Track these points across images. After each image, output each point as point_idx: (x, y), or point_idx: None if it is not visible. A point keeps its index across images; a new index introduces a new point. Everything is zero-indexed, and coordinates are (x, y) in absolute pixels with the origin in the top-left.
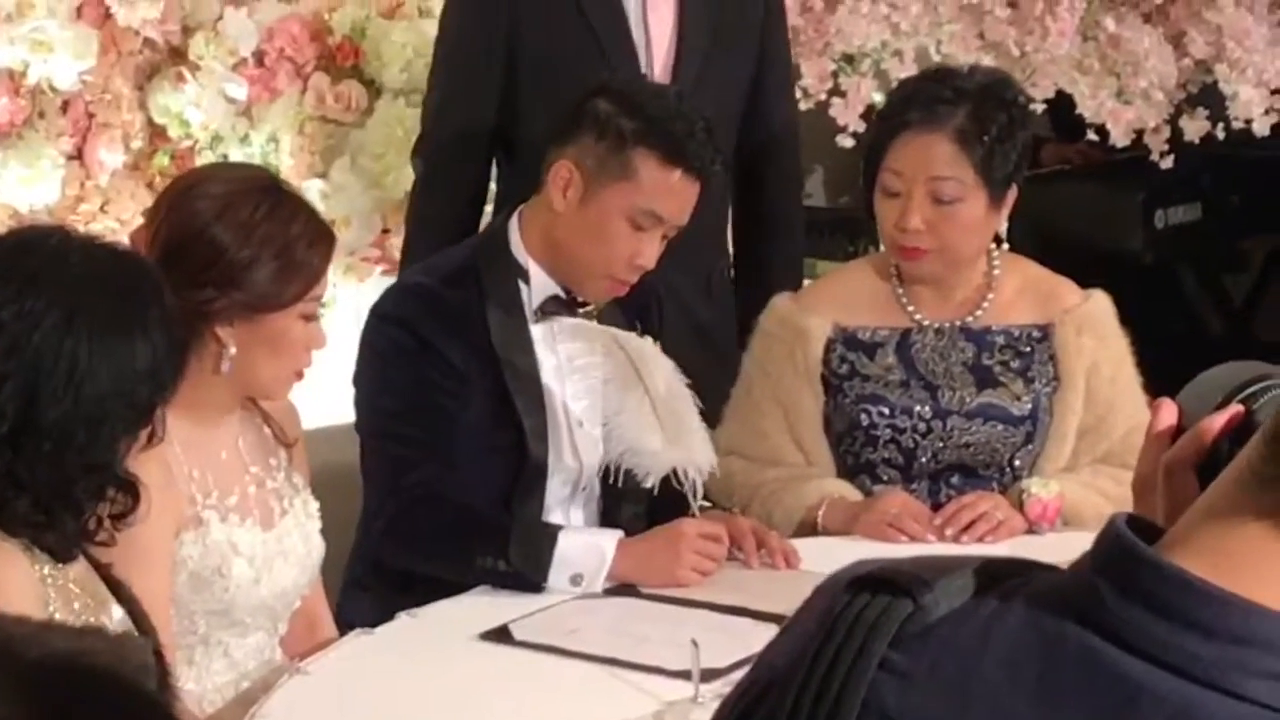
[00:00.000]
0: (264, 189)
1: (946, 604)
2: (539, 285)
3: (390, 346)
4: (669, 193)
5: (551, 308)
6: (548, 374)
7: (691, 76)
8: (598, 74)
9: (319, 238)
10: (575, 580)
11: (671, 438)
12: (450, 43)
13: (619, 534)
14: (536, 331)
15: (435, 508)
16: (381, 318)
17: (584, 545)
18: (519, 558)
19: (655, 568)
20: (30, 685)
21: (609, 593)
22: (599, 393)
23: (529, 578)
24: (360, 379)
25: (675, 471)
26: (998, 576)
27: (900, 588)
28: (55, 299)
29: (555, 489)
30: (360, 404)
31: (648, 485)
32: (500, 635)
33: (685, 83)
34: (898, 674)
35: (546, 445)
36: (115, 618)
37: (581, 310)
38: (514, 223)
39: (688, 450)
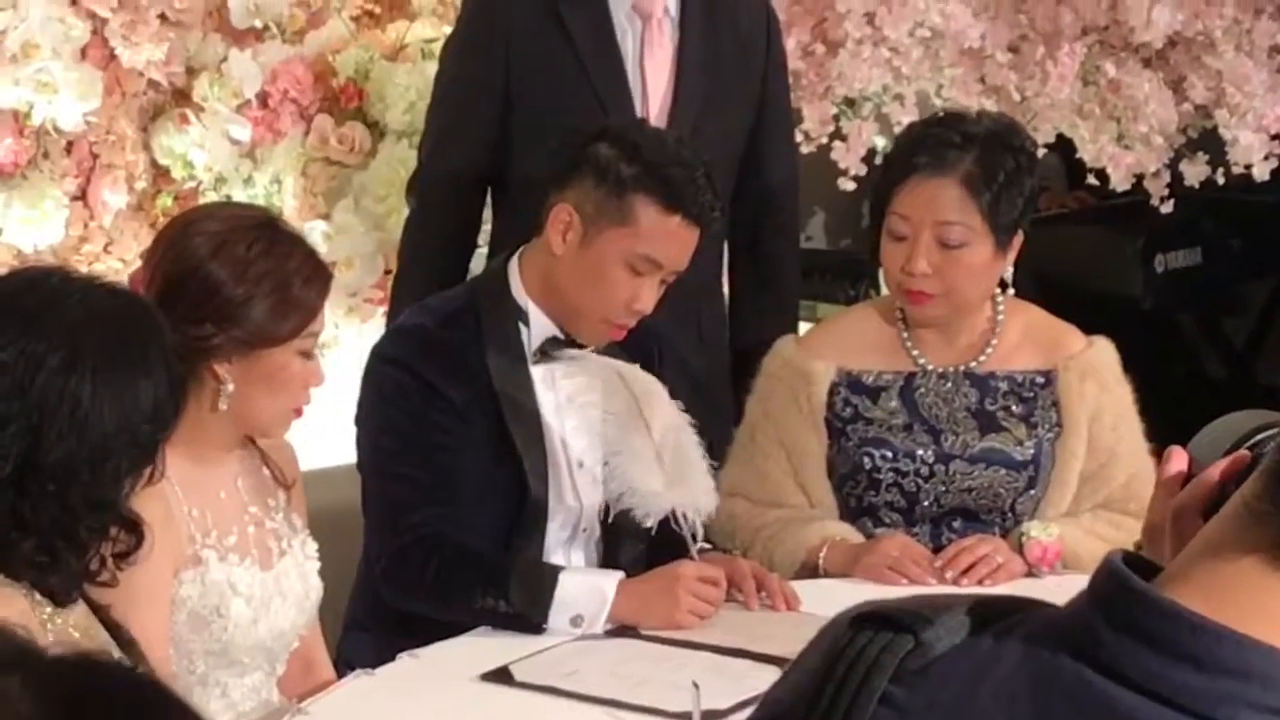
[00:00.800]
0: (260, 226)
1: (947, 640)
2: (538, 327)
3: (391, 387)
4: (667, 238)
5: (551, 348)
6: (548, 412)
7: (689, 123)
8: (593, 120)
9: (315, 274)
10: (575, 621)
11: (673, 478)
12: (448, 83)
13: (619, 575)
14: (536, 372)
15: (435, 548)
16: (382, 359)
17: (585, 587)
18: (520, 599)
19: (654, 610)
20: (48, 679)
21: (609, 634)
22: (598, 431)
23: (530, 619)
24: (362, 419)
25: (675, 513)
26: (993, 614)
27: (902, 624)
28: (57, 340)
29: (555, 530)
30: (362, 444)
31: (647, 525)
32: (501, 676)
33: (682, 129)
34: (898, 708)
35: (547, 485)
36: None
37: (581, 352)
38: (514, 264)
39: (689, 491)
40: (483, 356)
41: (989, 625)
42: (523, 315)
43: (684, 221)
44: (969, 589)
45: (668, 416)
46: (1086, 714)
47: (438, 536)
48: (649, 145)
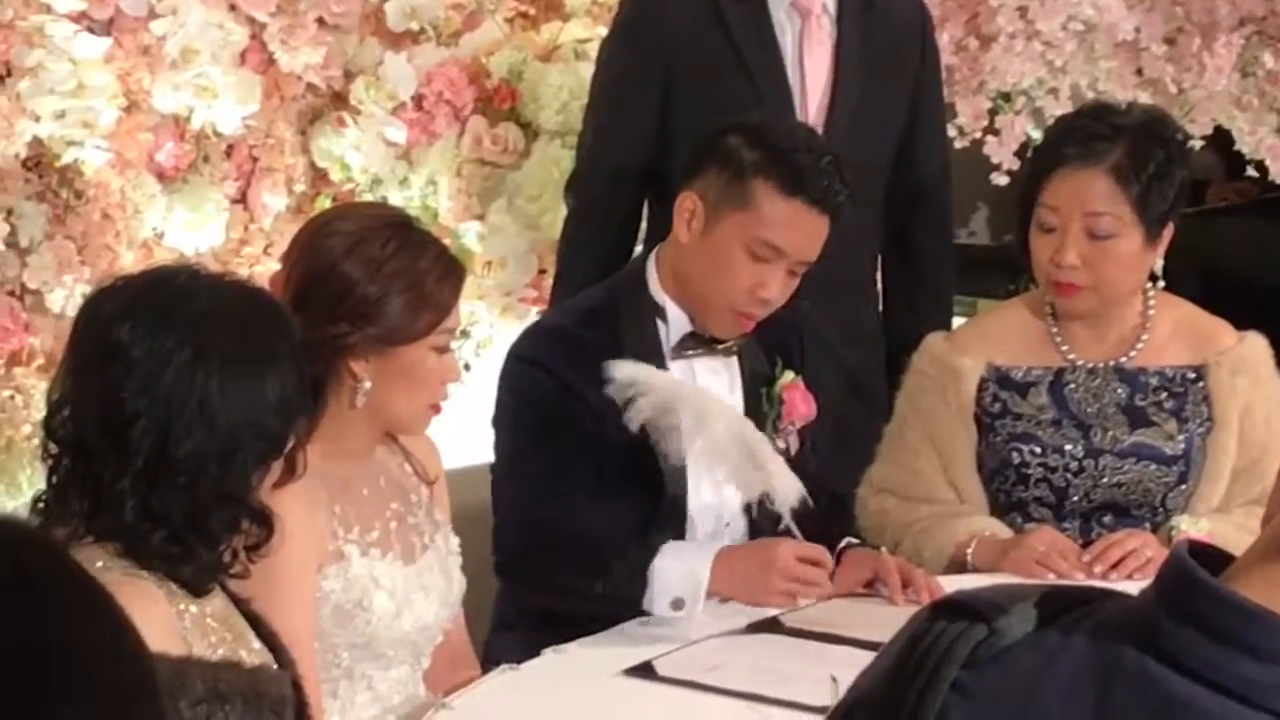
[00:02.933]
0: (393, 225)
1: (1019, 629)
2: (676, 323)
3: (528, 387)
4: (787, 223)
5: (689, 345)
6: None
7: (846, 119)
8: (752, 114)
9: (448, 271)
10: (677, 604)
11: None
12: (606, 80)
13: (715, 550)
14: (675, 368)
15: (548, 540)
16: (518, 358)
17: (681, 570)
18: (618, 584)
19: (747, 587)
20: None
21: (751, 629)
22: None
23: (628, 603)
24: (497, 419)
25: (766, 498)
26: (1062, 606)
27: (977, 613)
28: (184, 336)
29: (698, 527)
30: (496, 444)
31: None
32: (644, 671)
33: (839, 125)
34: (968, 694)
35: (685, 484)
36: (254, 650)
37: (720, 347)
38: (651, 261)
39: (767, 478)
40: (620, 355)
41: (1057, 618)
42: (660, 312)
43: (805, 207)
44: (1087, 580)
45: (727, 425)
46: (1146, 703)
47: (552, 531)
48: (776, 133)
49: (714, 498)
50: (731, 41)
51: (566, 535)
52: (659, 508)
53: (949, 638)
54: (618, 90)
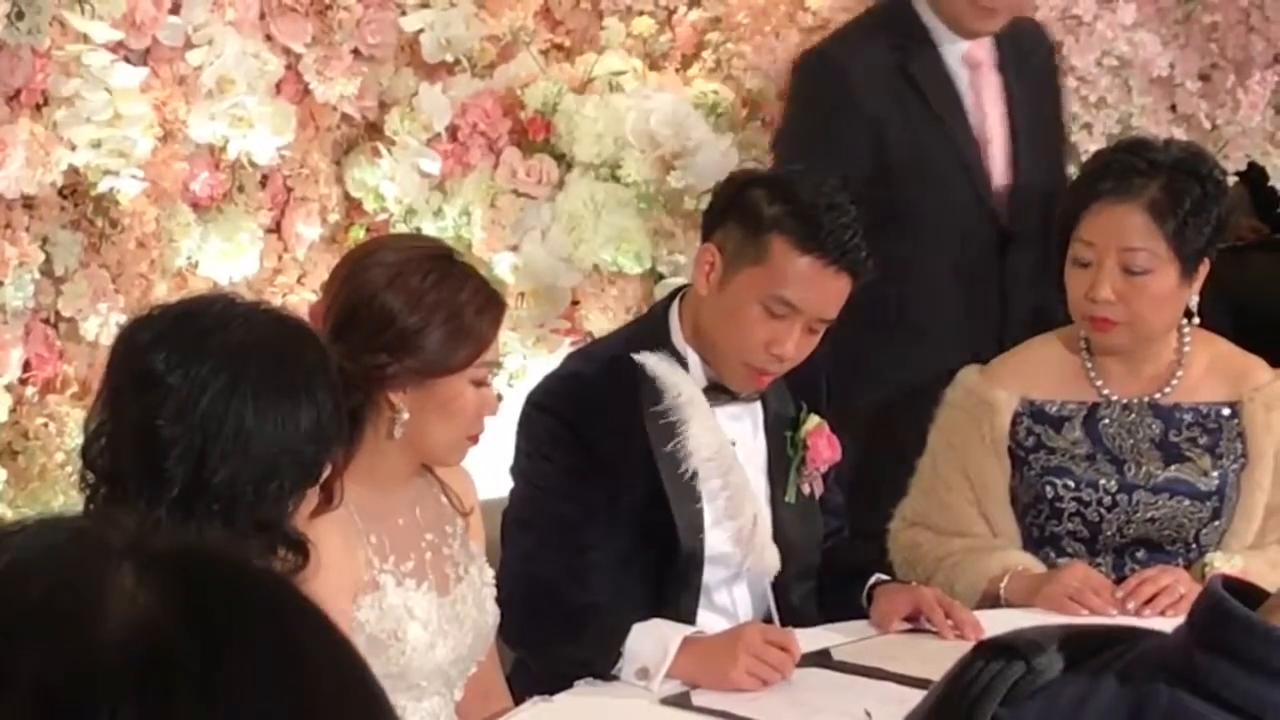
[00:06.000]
0: (434, 257)
1: (1056, 667)
2: (698, 373)
3: (542, 435)
4: (801, 280)
5: (710, 396)
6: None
7: (1029, 161)
8: (953, 169)
9: (488, 304)
10: (641, 674)
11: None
12: (805, 143)
13: (688, 630)
14: None
15: (533, 596)
16: (535, 406)
17: (653, 640)
18: (590, 648)
19: (711, 668)
20: (164, 569)
21: (801, 663)
22: (762, 475)
23: (599, 668)
24: (514, 466)
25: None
26: (1089, 646)
27: (1016, 651)
28: (220, 363)
29: (715, 570)
30: (512, 490)
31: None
32: (680, 701)
33: (1024, 167)
34: None
35: (700, 535)
36: None
37: (744, 394)
38: (674, 309)
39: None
40: (638, 404)
41: (1085, 659)
42: (682, 361)
43: (820, 264)
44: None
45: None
46: None
47: (540, 585)
48: (802, 187)
49: (731, 547)
50: (923, 97)
51: (557, 597)
52: (674, 559)
53: (988, 675)
54: (822, 144)
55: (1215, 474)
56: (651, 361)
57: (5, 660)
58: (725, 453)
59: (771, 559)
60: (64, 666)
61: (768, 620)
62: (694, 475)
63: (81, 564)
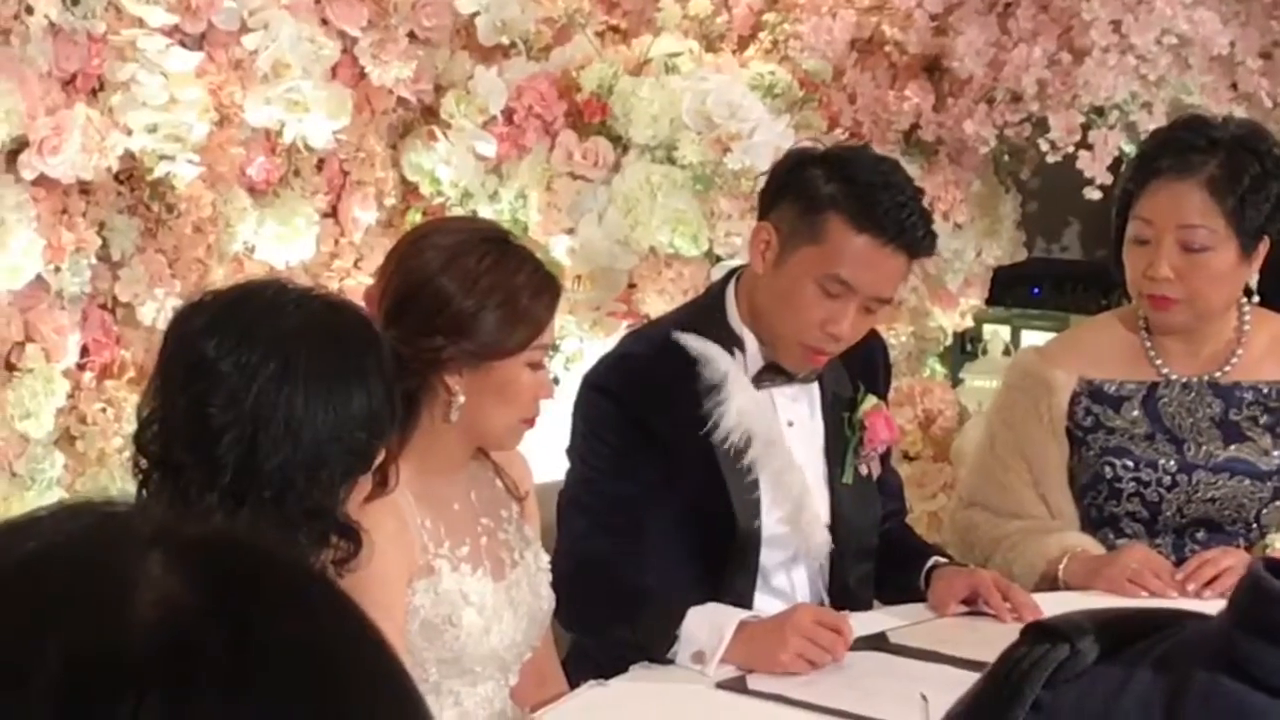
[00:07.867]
0: (490, 240)
1: (1095, 654)
2: (754, 354)
3: (598, 416)
4: (856, 259)
5: (767, 376)
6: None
7: None
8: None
9: (544, 287)
10: (697, 658)
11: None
12: None
13: (743, 615)
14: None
15: (591, 579)
16: (591, 387)
17: (709, 625)
18: (647, 631)
19: (762, 651)
20: (194, 557)
21: (856, 646)
22: (819, 456)
23: (654, 651)
24: (571, 447)
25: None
26: (1127, 632)
27: (1062, 634)
28: (272, 349)
29: (773, 553)
30: (568, 471)
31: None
32: (736, 685)
33: None
34: (1046, 714)
35: (757, 516)
36: None
37: (800, 375)
38: (730, 290)
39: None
40: (695, 384)
41: (1123, 647)
42: (739, 342)
43: (876, 243)
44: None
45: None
46: (1212, 714)
47: (594, 566)
48: (860, 166)
49: (782, 528)
50: None
51: (613, 579)
52: (732, 541)
53: (1033, 658)
54: None
55: (1276, 454)
56: (694, 342)
57: (32, 644)
58: (773, 431)
59: (821, 540)
60: (91, 651)
61: (820, 603)
62: (748, 455)
63: (109, 550)
